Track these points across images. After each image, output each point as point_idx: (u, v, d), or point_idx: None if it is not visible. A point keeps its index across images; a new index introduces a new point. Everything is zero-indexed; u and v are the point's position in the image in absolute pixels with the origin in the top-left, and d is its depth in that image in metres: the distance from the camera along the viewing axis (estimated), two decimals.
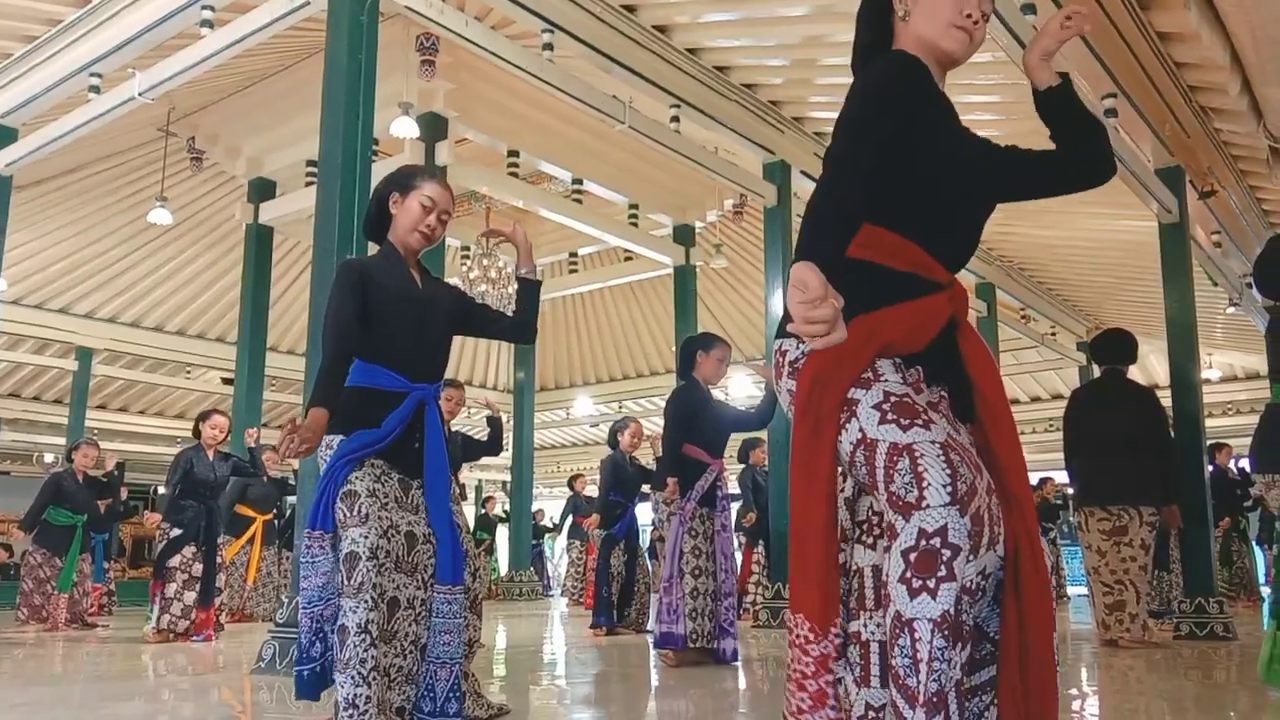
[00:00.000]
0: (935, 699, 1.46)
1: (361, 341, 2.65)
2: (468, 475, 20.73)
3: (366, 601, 2.44)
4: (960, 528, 1.46)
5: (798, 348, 1.70)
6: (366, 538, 2.49)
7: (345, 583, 2.47)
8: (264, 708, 3.65)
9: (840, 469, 1.67)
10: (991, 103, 6.88)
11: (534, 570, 13.14)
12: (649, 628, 4.89)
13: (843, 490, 1.74)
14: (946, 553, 1.46)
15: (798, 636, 1.63)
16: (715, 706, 3.66)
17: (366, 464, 2.59)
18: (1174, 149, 6.81)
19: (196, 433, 6.82)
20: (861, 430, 1.58)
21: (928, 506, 1.47)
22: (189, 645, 6.38)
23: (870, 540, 1.69)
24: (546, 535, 15.86)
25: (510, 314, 3.08)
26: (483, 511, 14.91)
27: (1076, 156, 1.83)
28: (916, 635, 1.46)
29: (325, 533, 2.56)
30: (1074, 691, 3.90)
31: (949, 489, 1.47)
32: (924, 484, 1.48)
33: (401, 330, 2.68)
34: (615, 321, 14.96)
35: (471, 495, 20.20)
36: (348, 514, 2.53)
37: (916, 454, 1.51)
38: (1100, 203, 8.20)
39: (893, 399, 1.59)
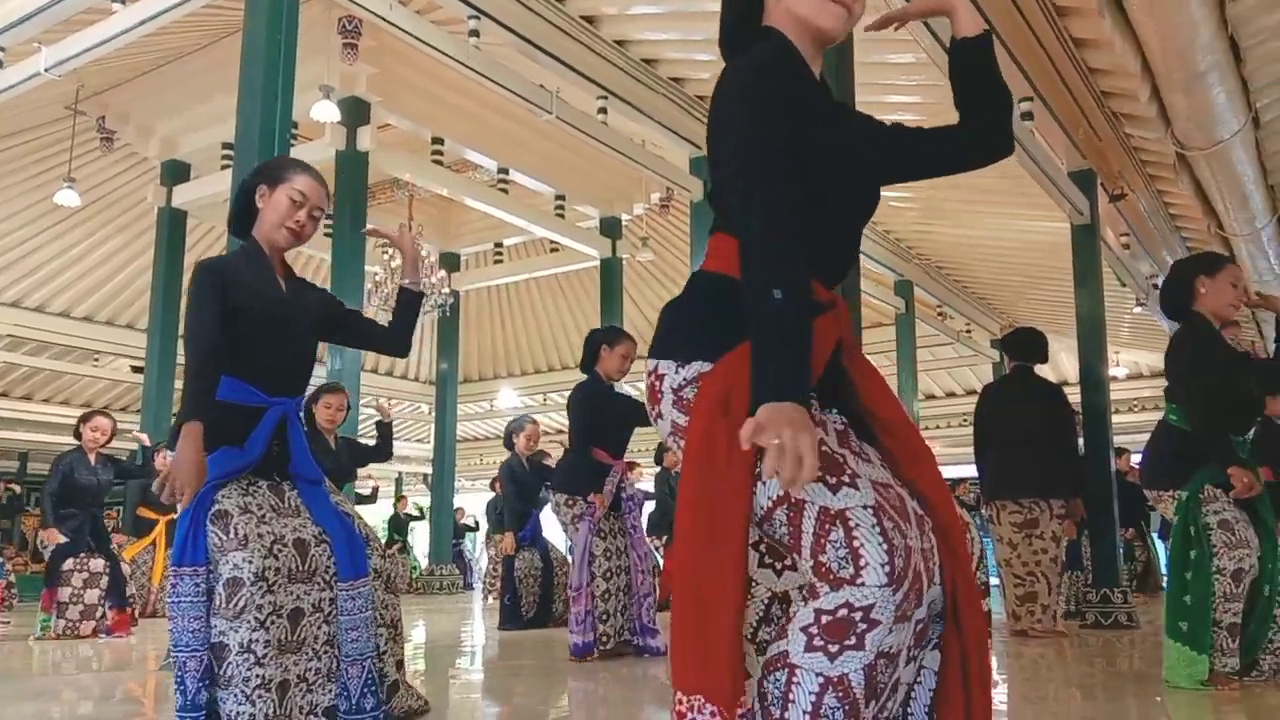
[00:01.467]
0: None
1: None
2: (386, 469, 20.47)
3: (249, 623, 2.31)
4: (888, 606, 1.32)
5: (678, 372, 1.50)
6: (250, 562, 2.34)
7: (224, 604, 2.33)
8: (171, 703, 3.54)
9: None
10: (913, 103, 7.00)
11: (456, 567, 13.01)
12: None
13: None
14: (862, 626, 1.33)
15: None
16: (629, 695, 3.67)
17: (230, 480, 2.43)
18: (1086, 153, 7.01)
19: (78, 435, 6.47)
20: (752, 484, 1.40)
21: (863, 584, 1.33)
22: (97, 640, 6.18)
23: (770, 561, 1.55)
24: (467, 534, 15.72)
25: (386, 324, 2.88)
26: (393, 512, 14.75)
27: (979, 131, 1.68)
28: (796, 679, 1.35)
29: (197, 567, 2.37)
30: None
31: (887, 568, 1.32)
32: (860, 561, 1.33)
33: (262, 339, 2.50)
34: (541, 313, 14.89)
35: (391, 489, 19.97)
36: (224, 537, 2.37)
37: (851, 524, 1.35)
38: (1015, 204, 8.42)
39: None
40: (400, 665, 2.78)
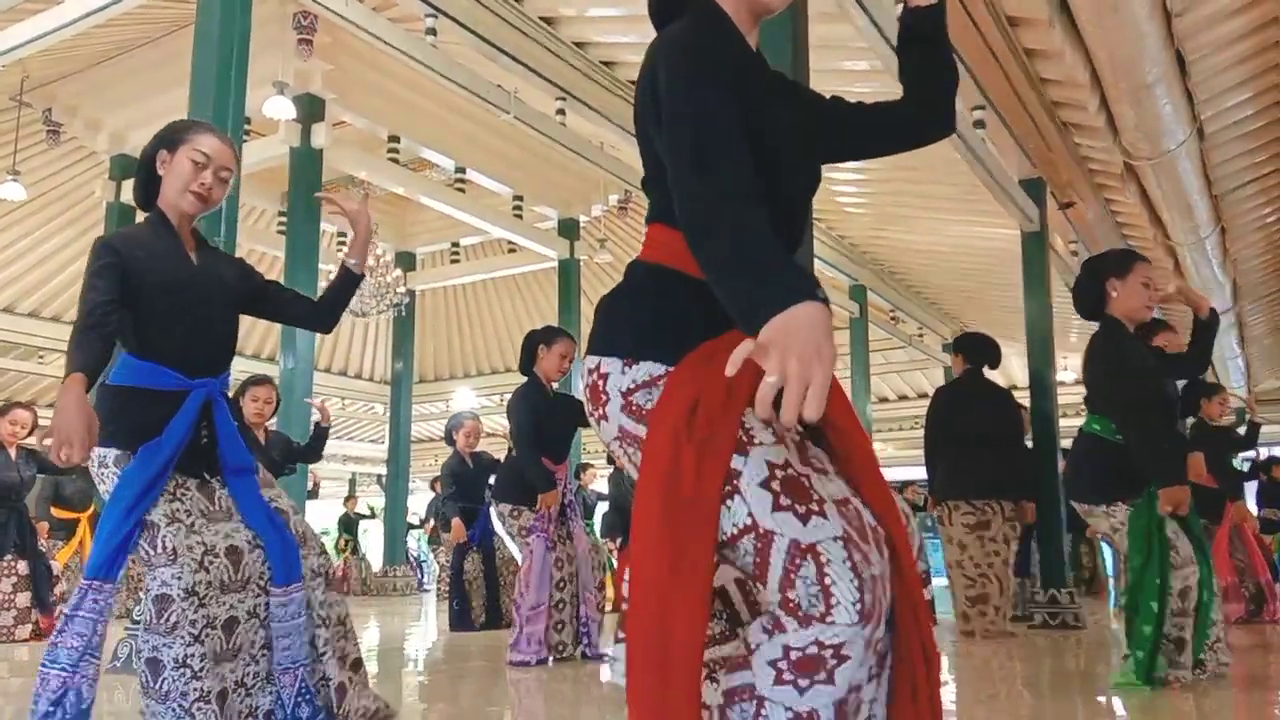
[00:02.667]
0: None
1: (127, 334, 2.34)
2: (340, 469, 20.25)
3: (184, 638, 2.23)
4: (858, 643, 1.26)
5: (624, 372, 1.39)
6: (180, 578, 2.23)
7: (155, 620, 2.23)
8: (119, 711, 3.47)
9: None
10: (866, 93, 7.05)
11: (409, 567, 12.91)
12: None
13: None
14: (834, 662, 1.26)
15: None
16: (581, 694, 3.67)
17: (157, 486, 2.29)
18: (1037, 161, 7.14)
19: None
20: (752, 516, 1.29)
21: (833, 623, 1.25)
22: (36, 644, 6.04)
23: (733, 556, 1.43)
24: (411, 531, 15.60)
25: (308, 297, 2.74)
26: (344, 511, 14.58)
27: (923, 107, 1.63)
28: (764, 711, 1.28)
29: (108, 583, 2.25)
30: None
31: (858, 606, 1.25)
32: (831, 600, 1.25)
33: (173, 316, 2.35)
34: (498, 314, 14.82)
35: (346, 489, 19.75)
36: (151, 551, 2.26)
37: (822, 560, 1.26)
38: (967, 211, 8.54)
39: (779, 474, 1.31)
40: (355, 664, 2.64)
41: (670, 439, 1.30)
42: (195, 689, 2.24)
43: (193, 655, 2.23)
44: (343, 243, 9.13)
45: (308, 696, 2.46)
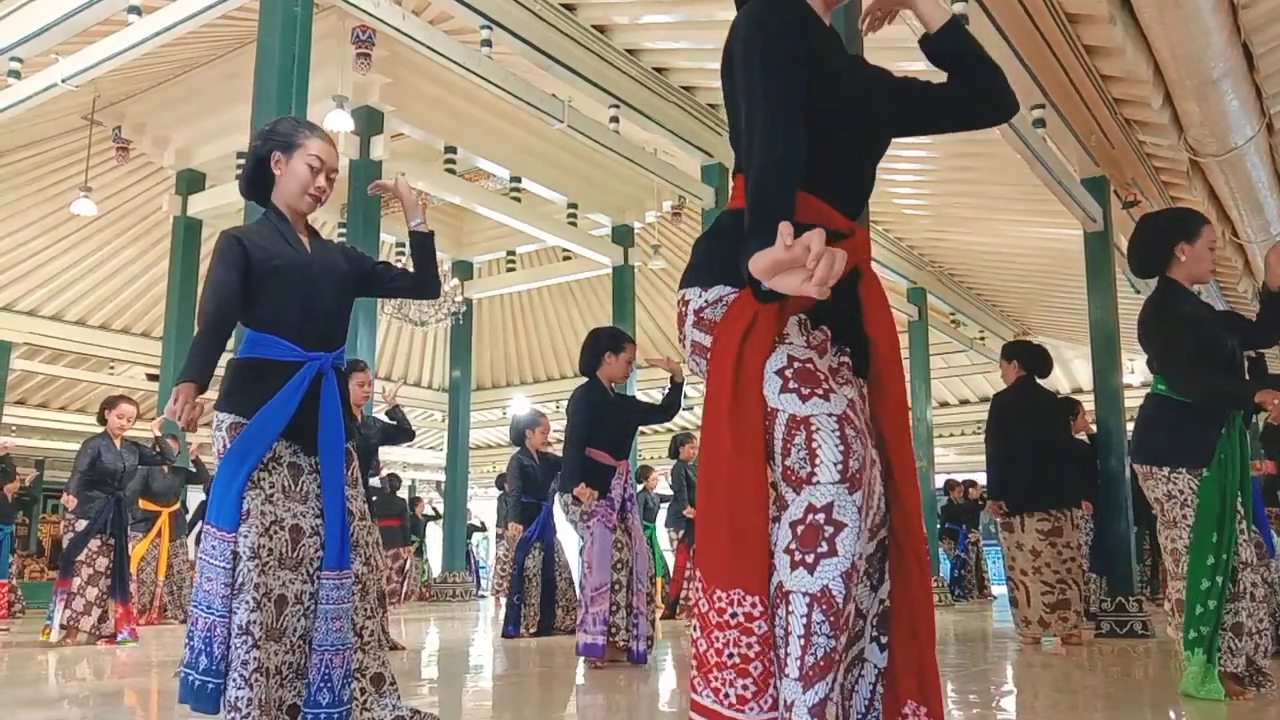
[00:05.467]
0: (810, 672, 1.42)
1: (250, 313, 2.54)
2: (399, 474, 20.49)
3: (248, 602, 2.35)
4: (847, 505, 1.43)
5: (701, 295, 1.62)
6: (246, 536, 2.39)
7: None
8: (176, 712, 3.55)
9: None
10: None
11: (468, 572, 13.02)
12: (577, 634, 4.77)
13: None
14: (830, 529, 1.43)
15: (732, 615, 1.47)
16: (630, 703, 3.67)
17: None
18: (1099, 159, 7.00)
19: (102, 420, 6.58)
20: (764, 398, 1.53)
21: (818, 483, 1.44)
22: (99, 648, 6.18)
23: None
24: (475, 534, 15.72)
25: (409, 271, 2.94)
26: (411, 513, 14.72)
27: (979, 87, 1.75)
28: (790, 608, 1.43)
29: (225, 531, 2.41)
30: (1008, 689, 3.99)
31: (839, 466, 1.44)
32: (816, 460, 1.45)
33: (292, 297, 2.55)
34: (553, 321, 14.91)
35: (405, 495, 19.97)
36: None
37: (813, 428, 1.47)
38: (1028, 211, 8.40)
39: (795, 364, 1.53)
40: (376, 679, 2.71)
41: (733, 342, 1.53)
42: (253, 659, 2.33)
43: (254, 622, 2.35)
44: (402, 251, 9.25)
45: (349, 680, 2.53)
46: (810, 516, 1.44)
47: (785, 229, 1.33)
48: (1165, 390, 3.55)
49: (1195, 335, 3.42)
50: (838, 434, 1.46)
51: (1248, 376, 3.74)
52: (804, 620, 1.42)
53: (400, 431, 6.07)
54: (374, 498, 6.09)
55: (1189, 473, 3.44)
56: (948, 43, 1.73)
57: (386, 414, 6.12)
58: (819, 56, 1.59)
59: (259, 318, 2.54)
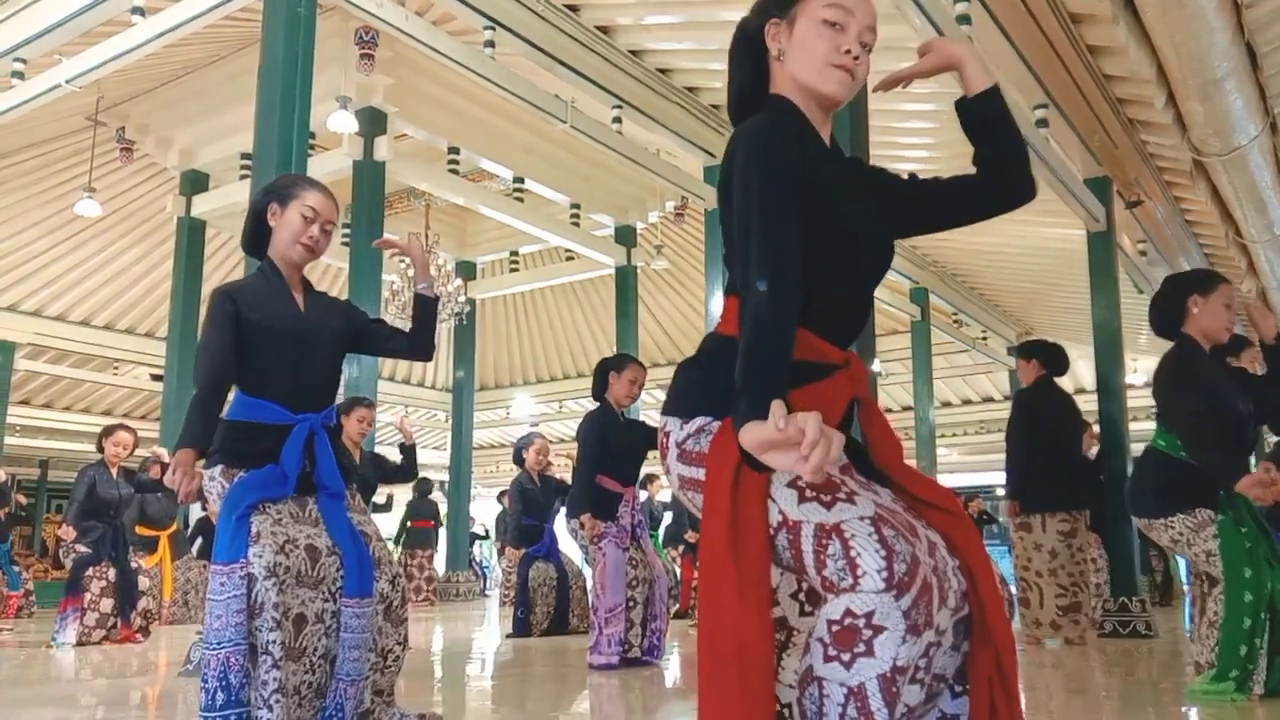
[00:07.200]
0: None
1: (241, 375, 2.53)
2: None
3: (268, 622, 2.34)
4: (891, 612, 1.33)
5: (682, 428, 1.54)
6: (261, 556, 2.37)
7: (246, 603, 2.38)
8: (194, 710, 3.56)
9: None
10: (927, 144, 6.97)
11: (472, 573, 13.02)
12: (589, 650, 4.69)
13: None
14: (869, 633, 1.34)
15: None
16: (646, 704, 3.67)
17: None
18: (1102, 159, 6.99)
19: (100, 448, 6.54)
20: (782, 513, 1.42)
21: (861, 591, 1.35)
22: (112, 647, 6.21)
23: (810, 610, 1.56)
24: (478, 541, 15.70)
25: (406, 330, 2.91)
26: None
27: (1002, 182, 1.70)
28: (825, 693, 1.37)
29: (232, 564, 2.38)
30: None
31: (884, 574, 1.34)
32: (858, 570, 1.35)
33: (283, 359, 2.54)
34: (556, 321, 14.92)
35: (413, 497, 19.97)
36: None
37: (846, 535, 1.37)
38: (1030, 211, 8.34)
39: None
40: (383, 694, 2.71)
41: (726, 477, 1.44)
42: (274, 679, 2.32)
43: (273, 643, 2.34)
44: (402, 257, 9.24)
45: (360, 711, 2.53)
46: (849, 620, 1.35)
47: (778, 409, 1.30)
48: (1164, 445, 3.61)
49: (1206, 396, 3.44)
50: (875, 538, 1.37)
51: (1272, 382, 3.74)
52: (840, 709, 1.35)
53: (401, 472, 6.12)
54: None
55: (1184, 514, 3.50)
56: (985, 107, 1.67)
57: (400, 447, 6.22)
58: (817, 171, 1.55)
59: (249, 381, 2.54)
